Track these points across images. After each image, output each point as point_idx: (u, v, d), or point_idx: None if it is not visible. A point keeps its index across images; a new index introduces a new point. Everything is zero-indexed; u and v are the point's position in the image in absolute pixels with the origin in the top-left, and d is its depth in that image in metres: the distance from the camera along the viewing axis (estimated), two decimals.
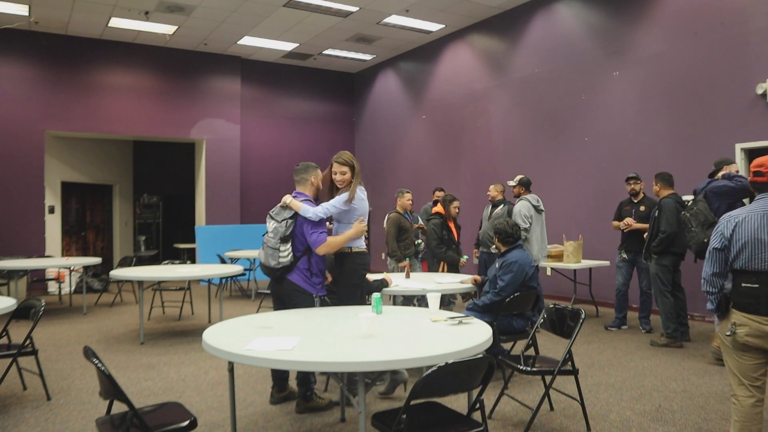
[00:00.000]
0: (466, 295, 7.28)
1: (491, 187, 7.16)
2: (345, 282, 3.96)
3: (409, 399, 2.31)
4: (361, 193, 3.95)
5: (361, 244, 4.01)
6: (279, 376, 4.06)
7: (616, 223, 6.61)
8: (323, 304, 3.88)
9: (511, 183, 6.67)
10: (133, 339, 6.22)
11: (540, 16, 8.82)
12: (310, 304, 3.78)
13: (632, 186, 6.46)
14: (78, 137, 11.29)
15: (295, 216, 3.77)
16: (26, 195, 9.86)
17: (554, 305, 3.73)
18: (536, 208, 6.34)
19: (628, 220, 6.34)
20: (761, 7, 6.26)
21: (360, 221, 3.96)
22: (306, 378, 3.88)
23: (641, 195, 6.47)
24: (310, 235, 3.75)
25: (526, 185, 6.58)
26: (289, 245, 3.75)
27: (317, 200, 4.03)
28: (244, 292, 9.75)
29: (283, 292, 3.83)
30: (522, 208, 6.24)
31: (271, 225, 3.83)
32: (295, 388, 4.18)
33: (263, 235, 3.90)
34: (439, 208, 6.64)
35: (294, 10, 9.11)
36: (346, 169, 3.95)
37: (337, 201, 3.85)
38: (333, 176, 3.99)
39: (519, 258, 4.41)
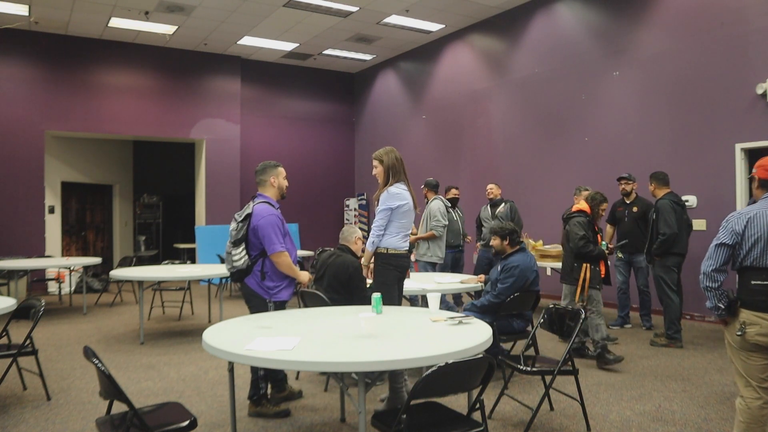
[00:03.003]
0: (477, 295, 7.30)
1: (491, 186, 7.16)
2: (374, 280, 3.93)
3: (409, 399, 2.31)
4: (395, 189, 3.83)
5: (395, 245, 3.84)
6: (275, 378, 4.01)
7: (609, 230, 6.73)
8: (279, 308, 3.82)
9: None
10: (133, 339, 6.22)
11: (540, 16, 8.82)
12: (264, 308, 3.78)
13: (623, 186, 6.47)
14: (78, 137, 11.29)
15: (247, 219, 3.71)
16: (26, 195, 9.86)
17: (554, 305, 3.74)
18: (447, 208, 6.72)
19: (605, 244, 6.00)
20: (761, 7, 6.26)
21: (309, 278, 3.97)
22: (255, 382, 3.84)
23: (633, 195, 6.48)
24: (265, 239, 3.69)
25: (431, 187, 6.83)
26: (241, 249, 3.71)
27: (283, 199, 3.98)
28: None
29: (243, 293, 3.91)
30: (440, 206, 6.60)
31: (231, 226, 3.82)
32: (297, 389, 4.20)
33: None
34: (582, 205, 5.67)
35: (294, 10, 9.11)
36: (376, 163, 3.94)
37: (378, 215, 3.83)
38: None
39: (521, 262, 4.40)
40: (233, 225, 3.77)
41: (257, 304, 3.80)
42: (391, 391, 3.76)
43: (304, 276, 3.94)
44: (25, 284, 9.28)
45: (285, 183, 3.97)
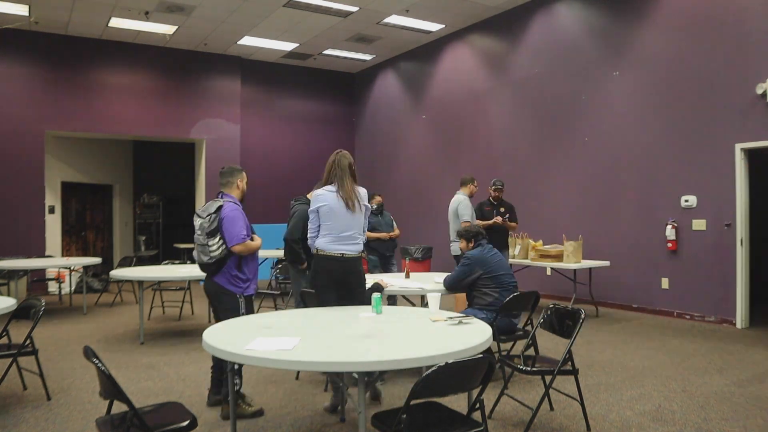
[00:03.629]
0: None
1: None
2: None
3: (409, 399, 2.31)
4: (319, 191, 3.90)
5: (323, 247, 3.82)
6: (216, 385, 3.99)
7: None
8: (248, 305, 3.90)
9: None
10: (133, 339, 6.22)
11: (540, 16, 8.82)
12: (235, 304, 3.85)
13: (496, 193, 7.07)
14: (78, 137, 11.29)
15: (219, 211, 3.84)
16: (26, 195, 9.86)
17: (554, 305, 3.73)
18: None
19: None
20: (761, 7, 6.26)
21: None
22: (220, 381, 3.87)
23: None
24: (227, 232, 3.81)
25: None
26: (217, 239, 3.81)
27: (243, 202, 4.11)
28: None
29: (208, 291, 3.96)
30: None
31: (197, 222, 3.87)
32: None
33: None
34: None
35: (294, 10, 9.11)
36: None
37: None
38: None
39: (474, 254, 4.58)
40: (198, 221, 3.86)
41: (227, 301, 3.86)
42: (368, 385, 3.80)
43: (258, 241, 4.04)
44: (25, 284, 9.28)
45: (245, 187, 4.19)
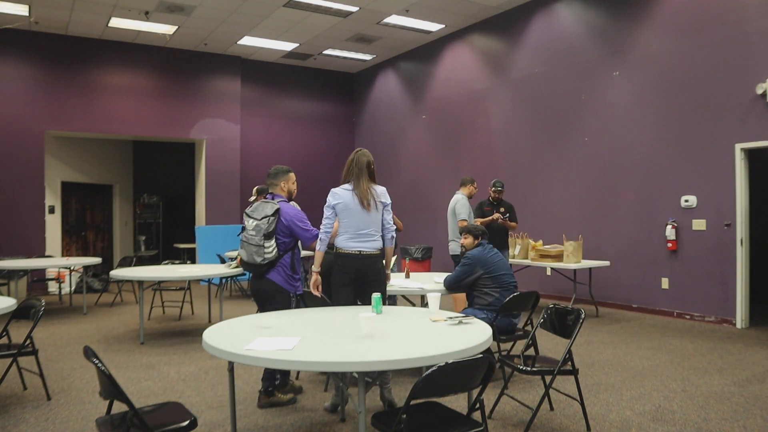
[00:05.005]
0: None
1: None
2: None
3: (409, 399, 2.31)
4: (336, 188, 3.95)
5: (340, 245, 3.92)
6: (268, 377, 4.04)
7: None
8: (299, 303, 3.97)
9: (252, 198, 6.69)
10: (133, 339, 6.22)
11: (540, 16, 8.82)
12: (287, 302, 3.90)
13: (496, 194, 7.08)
14: (78, 137, 11.29)
15: (277, 213, 3.86)
16: (26, 195, 9.86)
17: (554, 305, 3.73)
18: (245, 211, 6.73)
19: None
20: (761, 7, 6.26)
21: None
22: (271, 374, 3.93)
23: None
24: (303, 231, 3.89)
25: (261, 192, 6.71)
26: (273, 241, 3.86)
27: (290, 201, 4.14)
28: (244, 292, 9.75)
29: (264, 291, 3.95)
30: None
31: (250, 223, 3.90)
32: (297, 384, 4.22)
33: (239, 234, 3.97)
34: None
35: (294, 10, 9.11)
36: None
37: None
38: None
39: (475, 254, 4.60)
40: (252, 222, 3.89)
41: (281, 300, 3.90)
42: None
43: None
44: (25, 284, 9.28)
45: (294, 188, 4.17)
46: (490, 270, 4.49)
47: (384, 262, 3.98)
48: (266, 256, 3.85)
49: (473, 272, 4.49)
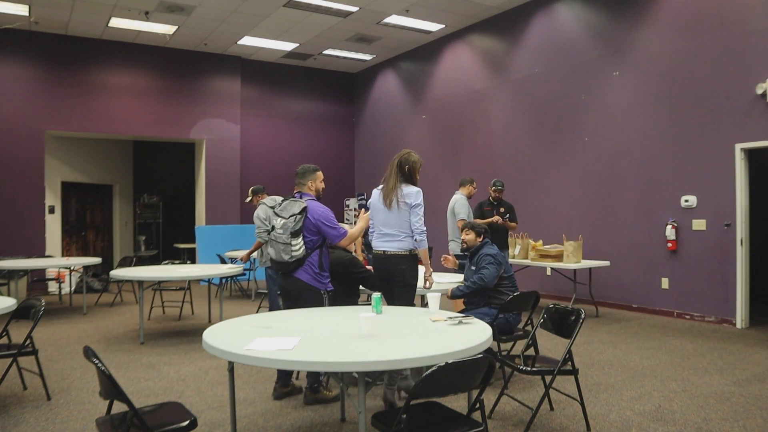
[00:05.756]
0: None
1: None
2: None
3: (409, 399, 2.31)
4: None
5: (372, 244, 4.11)
6: (284, 371, 4.11)
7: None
8: (331, 299, 4.00)
9: (248, 199, 6.71)
10: (133, 339, 6.22)
11: (540, 16, 8.82)
12: (319, 300, 3.90)
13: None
14: (78, 137, 11.29)
15: (304, 212, 3.88)
16: (26, 195, 9.86)
17: (554, 305, 3.74)
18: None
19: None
20: (761, 7, 6.26)
21: (364, 212, 4.16)
22: (315, 371, 3.95)
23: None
24: (331, 230, 3.91)
25: (256, 192, 6.65)
26: (300, 239, 3.87)
27: (318, 200, 4.15)
28: (244, 292, 9.75)
29: (293, 289, 3.94)
30: (258, 211, 6.34)
31: (278, 222, 3.92)
32: (298, 384, 4.23)
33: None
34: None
35: (294, 10, 9.11)
36: None
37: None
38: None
39: (494, 251, 4.59)
40: (279, 221, 3.91)
41: (312, 298, 3.91)
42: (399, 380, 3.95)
43: (356, 227, 4.18)
44: (25, 284, 9.28)
45: (322, 186, 4.19)
46: (506, 269, 4.57)
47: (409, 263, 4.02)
48: (293, 254, 3.86)
49: (499, 271, 4.51)
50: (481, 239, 4.70)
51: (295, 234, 3.85)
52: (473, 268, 4.63)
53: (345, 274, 4.46)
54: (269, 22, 9.72)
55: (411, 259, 4.00)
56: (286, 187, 7.15)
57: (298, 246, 3.85)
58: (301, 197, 4.02)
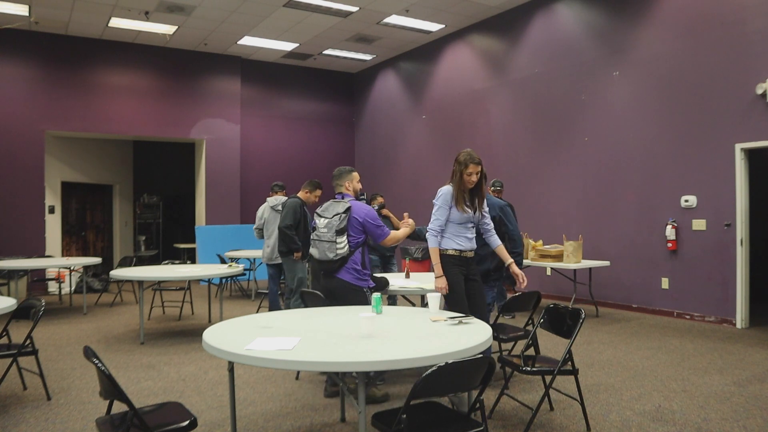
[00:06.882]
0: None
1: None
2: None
3: (409, 399, 2.31)
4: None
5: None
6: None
7: None
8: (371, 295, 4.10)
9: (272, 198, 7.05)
10: (133, 339, 6.22)
11: (540, 16, 8.82)
12: (363, 298, 3.97)
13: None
14: (78, 137, 11.29)
15: (348, 211, 3.96)
16: (26, 195, 9.86)
17: (554, 305, 3.74)
18: (273, 208, 6.87)
19: None
20: (761, 7, 6.26)
21: (408, 217, 4.24)
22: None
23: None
24: (377, 229, 4.00)
25: (282, 188, 7.23)
26: (344, 237, 3.95)
27: (357, 199, 4.26)
28: (244, 292, 9.75)
29: (337, 290, 4.00)
30: (260, 208, 7.06)
31: (321, 221, 4.01)
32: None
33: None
34: None
35: (294, 10, 9.11)
36: (479, 168, 3.94)
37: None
38: (468, 177, 3.92)
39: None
40: (323, 221, 3.99)
41: (355, 297, 3.97)
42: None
43: (402, 230, 4.26)
44: (25, 284, 9.28)
45: (359, 186, 4.29)
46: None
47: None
48: (338, 252, 3.92)
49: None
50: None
51: (340, 232, 3.93)
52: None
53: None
54: (269, 22, 9.72)
55: (443, 258, 4.00)
56: (287, 186, 7.16)
57: (343, 244, 3.93)
58: (342, 198, 4.13)
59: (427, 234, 4.01)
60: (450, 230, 3.96)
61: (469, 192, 3.98)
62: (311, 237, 4.10)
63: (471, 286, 4.02)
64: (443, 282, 3.89)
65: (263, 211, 6.97)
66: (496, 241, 4.13)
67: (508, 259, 4.09)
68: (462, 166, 3.91)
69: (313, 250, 4.05)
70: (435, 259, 3.95)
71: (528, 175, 8.98)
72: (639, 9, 7.45)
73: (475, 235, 4.05)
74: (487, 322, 3.86)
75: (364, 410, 2.45)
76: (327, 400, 4.12)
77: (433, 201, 4.01)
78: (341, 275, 3.97)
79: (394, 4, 8.95)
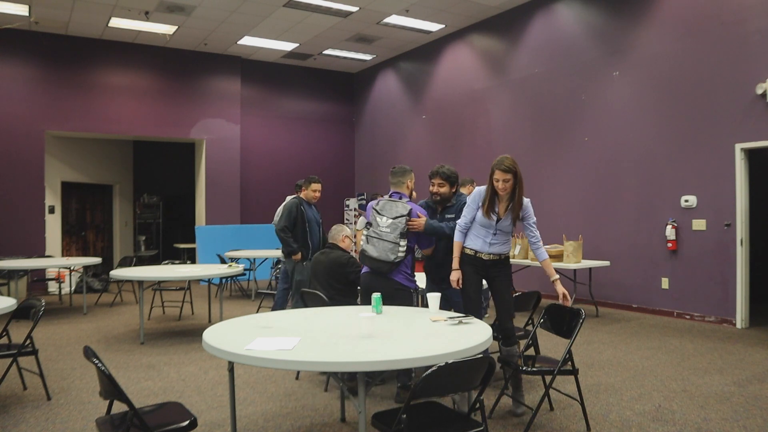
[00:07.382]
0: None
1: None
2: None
3: (409, 399, 2.31)
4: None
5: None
6: (403, 373, 4.05)
7: None
8: (419, 298, 4.17)
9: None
10: (133, 339, 6.22)
11: (540, 16, 8.82)
12: (410, 299, 4.03)
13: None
14: (78, 137, 11.29)
15: (410, 214, 3.97)
16: (26, 195, 9.86)
17: (554, 304, 3.73)
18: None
19: None
20: (761, 7, 6.26)
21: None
22: (407, 369, 3.97)
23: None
24: (428, 237, 4.07)
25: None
26: (406, 241, 3.98)
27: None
28: (244, 292, 9.75)
29: (385, 290, 3.90)
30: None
31: (383, 220, 3.98)
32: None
33: (365, 227, 4.01)
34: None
35: (294, 10, 9.11)
36: (509, 176, 3.82)
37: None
38: (495, 184, 3.82)
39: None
40: (385, 219, 3.97)
41: (404, 298, 4.01)
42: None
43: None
44: (25, 284, 9.28)
45: (413, 186, 4.34)
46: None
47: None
48: (399, 254, 3.95)
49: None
50: (455, 189, 4.51)
51: (403, 235, 3.96)
52: (449, 216, 4.35)
53: (342, 274, 4.52)
54: (269, 22, 9.73)
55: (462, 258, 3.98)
56: (286, 187, 7.16)
57: (405, 247, 3.96)
58: (399, 198, 4.10)
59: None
60: (473, 230, 3.92)
61: (498, 198, 3.87)
62: (368, 233, 4.01)
63: (493, 286, 3.96)
64: (456, 275, 3.88)
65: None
66: (542, 254, 3.99)
67: (554, 275, 3.90)
68: (491, 170, 3.83)
69: (368, 247, 3.97)
70: (455, 252, 3.94)
71: (528, 175, 8.93)
72: (639, 9, 7.45)
73: (496, 241, 3.90)
74: (510, 321, 3.85)
75: (364, 410, 2.46)
76: (327, 400, 4.11)
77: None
78: (394, 276, 4.01)
79: (394, 4, 8.95)
